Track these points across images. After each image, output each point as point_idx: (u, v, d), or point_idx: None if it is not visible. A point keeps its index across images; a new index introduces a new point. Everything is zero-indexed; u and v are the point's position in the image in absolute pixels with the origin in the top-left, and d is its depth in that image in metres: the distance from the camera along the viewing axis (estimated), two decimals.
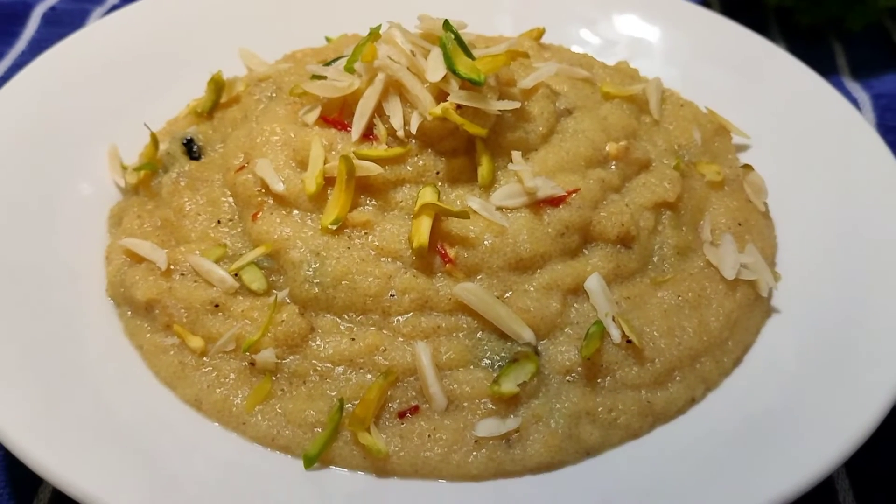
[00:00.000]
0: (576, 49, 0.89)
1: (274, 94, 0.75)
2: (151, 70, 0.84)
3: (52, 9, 1.07)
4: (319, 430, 0.59)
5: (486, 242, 0.64)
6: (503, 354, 0.62)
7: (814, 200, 0.74)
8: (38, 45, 1.02)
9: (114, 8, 1.08)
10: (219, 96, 0.78)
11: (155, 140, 0.74)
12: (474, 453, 0.58)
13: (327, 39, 0.87)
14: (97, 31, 0.85)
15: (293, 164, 0.67)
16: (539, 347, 0.62)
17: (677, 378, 0.63)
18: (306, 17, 0.90)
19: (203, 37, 0.88)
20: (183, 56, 0.86)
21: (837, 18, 1.07)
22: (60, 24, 1.05)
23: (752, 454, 0.57)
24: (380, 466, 0.58)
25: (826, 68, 1.03)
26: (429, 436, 0.58)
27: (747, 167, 0.75)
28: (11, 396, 0.55)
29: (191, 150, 0.73)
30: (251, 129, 0.71)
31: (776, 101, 0.83)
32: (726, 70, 0.86)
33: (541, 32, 0.85)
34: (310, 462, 0.57)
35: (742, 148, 0.80)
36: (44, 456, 0.52)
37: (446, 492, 0.57)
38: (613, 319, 0.62)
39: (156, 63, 0.84)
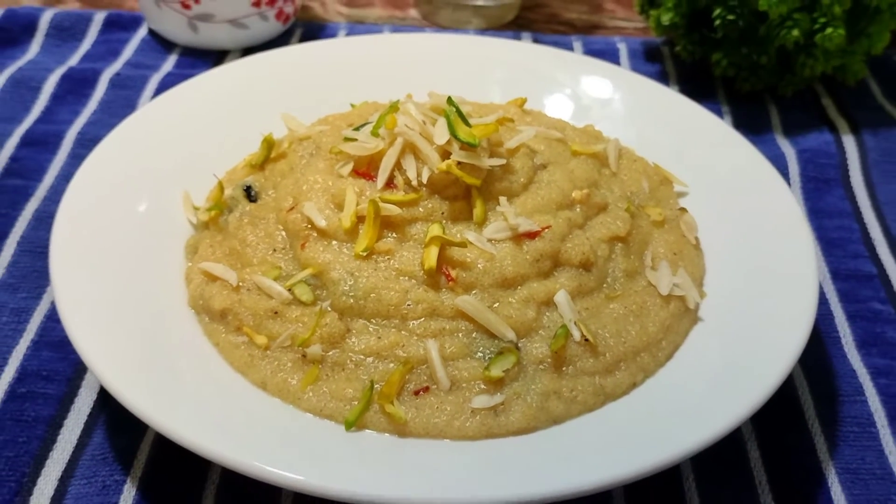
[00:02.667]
0: (552, 113, 1.02)
1: (314, 152, 0.88)
2: (212, 131, 0.97)
3: (118, 74, 1.20)
4: (356, 403, 0.71)
5: (479, 266, 0.76)
6: (492, 349, 0.74)
7: (734, 237, 0.87)
8: (107, 105, 1.15)
9: (169, 74, 1.21)
10: (269, 152, 0.91)
11: (221, 187, 0.88)
12: (470, 420, 0.70)
13: (352, 105, 1.01)
14: (164, 102, 0.98)
15: (332, 206, 0.80)
16: (519, 344, 0.74)
17: (623, 368, 0.75)
18: (333, 88, 1.04)
19: (250, 104, 1.01)
20: (235, 119, 0.99)
21: (772, 85, 1.21)
22: (124, 87, 1.18)
23: (678, 420, 0.69)
24: (400, 429, 0.70)
25: (762, 127, 1.18)
26: (437, 407, 0.71)
27: (683, 210, 0.89)
28: (125, 376, 0.69)
29: (249, 194, 0.88)
30: (297, 178, 0.85)
31: (709, 158, 0.95)
32: (672, 132, 0.99)
33: (523, 101, 1.00)
34: (349, 426, 0.70)
35: (681, 194, 0.93)
36: (155, 414, 0.66)
37: (449, 448, 0.69)
38: (575, 324, 0.75)
39: (214, 125, 0.97)
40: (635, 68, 1.28)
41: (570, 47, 1.32)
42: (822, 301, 0.94)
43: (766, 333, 0.76)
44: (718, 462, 0.78)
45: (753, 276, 0.83)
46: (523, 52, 1.12)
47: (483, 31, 1.37)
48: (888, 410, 0.83)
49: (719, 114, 1.20)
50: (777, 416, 0.82)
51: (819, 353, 0.88)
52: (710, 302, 0.83)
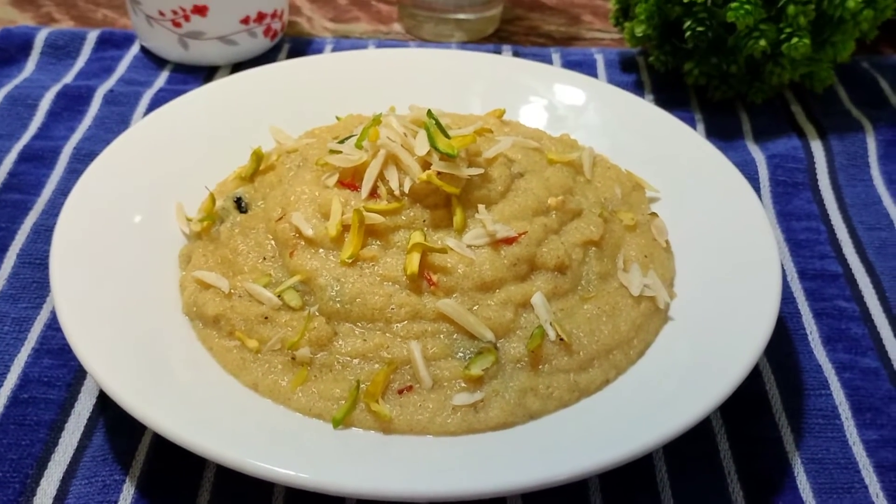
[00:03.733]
0: (529, 123, 1.06)
1: (301, 164, 0.92)
2: (203, 145, 1.00)
3: (111, 91, 1.23)
4: (343, 402, 0.74)
5: (459, 270, 0.79)
6: (472, 349, 0.77)
7: (703, 240, 0.90)
8: (101, 121, 1.18)
9: (161, 90, 1.24)
10: (259, 165, 0.94)
11: (213, 198, 0.92)
12: (452, 417, 0.73)
13: (337, 118, 1.05)
14: (157, 118, 1.01)
15: (319, 216, 0.83)
16: (497, 344, 0.77)
17: (596, 365, 0.78)
18: (320, 102, 1.08)
19: (240, 118, 1.04)
20: (225, 133, 1.02)
21: (743, 94, 1.25)
22: (118, 104, 1.21)
23: (649, 413, 0.73)
24: (385, 426, 0.73)
25: (734, 133, 1.21)
26: (420, 405, 0.74)
27: (654, 215, 0.93)
28: (123, 379, 0.72)
29: (240, 205, 0.91)
30: (285, 190, 0.88)
31: (679, 165, 0.98)
32: (644, 141, 1.02)
33: (502, 112, 1.04)
34: (337, 423, 0.73)
35: (653, 200, 0.97)
36: (153, 415, 0.69)
37: (432, 443, 0.73)
38: (551, 324, 0.78)
39: (205, 139, 1.01)
40: (612, 78, 1.32)
41: (549, 59, 1.35)
42: (790, 300, 0.98)
43: (732, 330, 0.79)
44: (690, 453, 0.81)
45: (721, 277, 0.86)
46: (502, 66, 1.15)
47: (465, 43, 1.41)
48: (852, 403, 0.87)
49: (692, 121, 1.24)
50: (746, 409, 0.85)
51: (786, 349, 0.92)
52: (679, 302, 0.86)
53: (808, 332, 0.95)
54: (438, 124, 0.85)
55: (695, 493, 0.79)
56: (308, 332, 0.78)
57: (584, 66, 1.33)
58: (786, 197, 1.12)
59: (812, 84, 1.25)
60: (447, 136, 0.85)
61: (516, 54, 1.36)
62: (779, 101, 1.29)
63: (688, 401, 0.73)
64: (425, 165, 0.83)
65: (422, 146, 0.83)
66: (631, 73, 1.35)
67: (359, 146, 0.86)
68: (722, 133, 1.22)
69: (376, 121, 0.87)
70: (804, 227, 1.08)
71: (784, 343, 0.93)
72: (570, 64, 1.33)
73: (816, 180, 1.14)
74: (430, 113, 0.87)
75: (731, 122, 1.25)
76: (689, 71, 1.23)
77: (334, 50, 1.37)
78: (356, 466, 0.70)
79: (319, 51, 1.37)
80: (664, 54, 1.26)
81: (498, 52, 1.37)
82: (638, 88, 1.31)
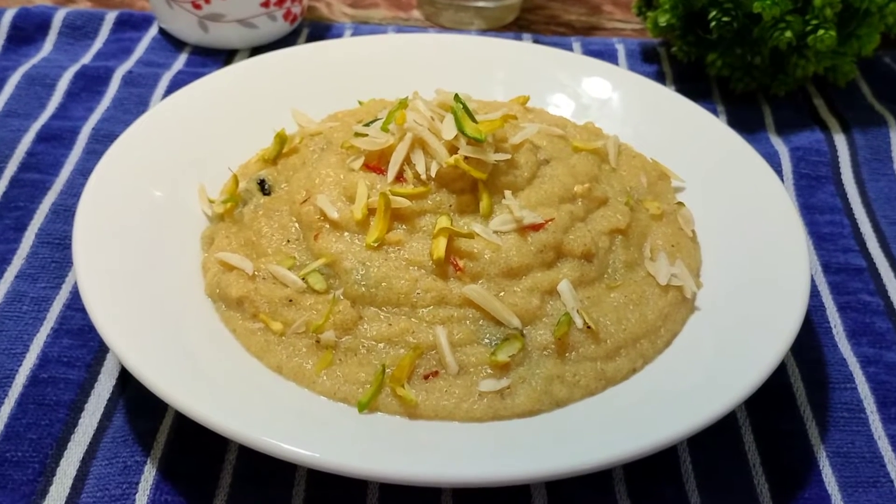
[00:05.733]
0: (553, 111, 1.06)
1: (325, 147, 0.91)
2: (224, 127, 0.99)
3: (130, 72, 1.22)
4: (368, 386, 0.73)
5: (486, 256, 0.79)
6: (498, 335, 0.76)
7: (730, 230, 0.89)
8: (120, 102, 1.17)
9: (180, 73, 1.23)
10: (282, 147, 0.94)
11: (236, 180, 0.91)
12: (478, 403, 0.73)
13: (359, 103, 1.04)
14: (178, 99, 1.00)
15: (344, 199, 0.83)
16: (524, 331, 0.77)
17: (623, 354, 0.78)
18: (341, 86, 1.07)
19: (261, 101, 1.03)
20: (247, 115, 1.01)
21: (765, 86, 1.24)
22: (136, 85, 1.20)
23: (676, 403, 0.72)
24: (411, 412, 0.73)
25: (756, 126, 1.20)
26: (445, 391, 0.73)
27: (680, 204, 0.92)
28: (147, 360, 0.71)
29: (263, 187, 0.91)
30: (310, 172, 0.87)
31: (705, 154, 0.98)
32: (669, 130, 1.01)
33: (526, 99, 1.03)
34: (362, 408, 0.73)
35: (678, 189, 0.96)
36: (177, 395, 0.68)
37: (457, 429, 0.72)
38: (578, 312, 0.77)
39: (227, 121, 1.00)
40: (633, 69, 1.31)
41: (569, 48, 1.34)
42: (814, 293, 0.97)
43: (760, 322, 0.79)
44: (714, 445, 0.81)
45: (748, 268, 0.86)
46: (525, 53, 1.14)
47: (484, 32, 1.40)
48: (877, 397, 0.86)
49: (714, 113, 1.23)
50: (770, 402, 0.85)
51: (811, 342, 0.91)
52: (706, 292, 0.85)
53: (832, 326, 0.94)
54: (466, 108, 0.85)
55: (719, 485, 0.79)
56: (333, 315, 0.77)
57: (605, 56, 1.32)
58: (809, 190, 1.11)
59: (835, 77, 1.24)
60: (474, 121, 0.84)
61: (536, 43, 1.34)
62: (801, 95, 1.28)
63: (714, 393, 0.72)
64: (452, 150, 0.82)
65: (449, 130, 0.82)
66: (652, 63, 1.34)
67: (385, 129, 0.85)
68: (744, 125, 1.21)
69: (403, 104, 0.86)
70: (828, 220, 1.07)
71: (809, 336, 0.92)
72: (590, 54, 1.32)
73: (840, 174, 1.14)
74: (457, 97, 0.86)
75: (753, 114, 1.23)
76: (711, 62, 1.22)
77: (353, 35, 1.36)
78: (381, 450, 0.69)
79: (339, 36, 1.36)
80: (687, 44, 1.25)
81: (518, 40, 1.35)
82: (659, 79, 1.29)
